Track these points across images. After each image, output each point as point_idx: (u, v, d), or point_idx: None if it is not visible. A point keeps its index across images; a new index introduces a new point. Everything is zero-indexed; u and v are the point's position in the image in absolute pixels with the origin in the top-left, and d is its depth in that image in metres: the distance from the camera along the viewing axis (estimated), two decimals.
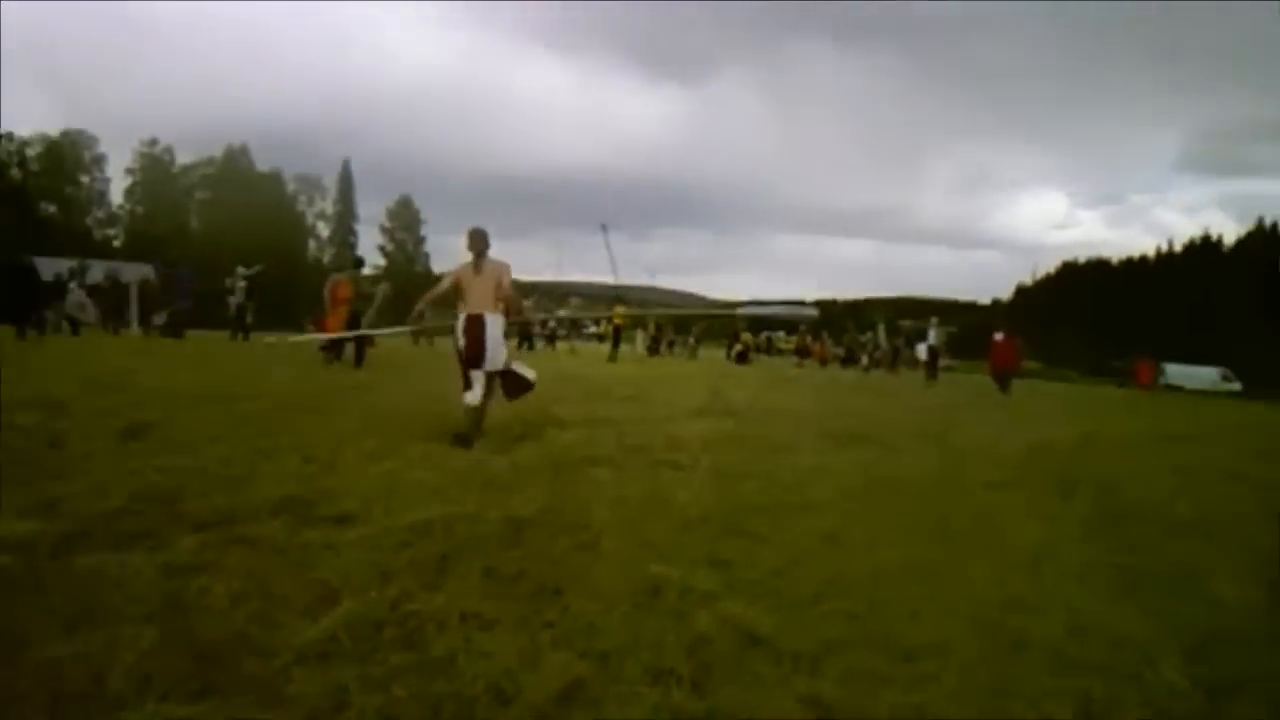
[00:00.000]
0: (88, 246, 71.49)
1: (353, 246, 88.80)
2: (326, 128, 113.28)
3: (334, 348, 14.79)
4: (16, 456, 4.80)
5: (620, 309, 30.32)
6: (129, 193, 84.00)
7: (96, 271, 32.43)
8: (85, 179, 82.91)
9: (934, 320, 29.93)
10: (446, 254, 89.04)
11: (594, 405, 9.45)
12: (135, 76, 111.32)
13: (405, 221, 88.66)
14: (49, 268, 25.89)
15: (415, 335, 23.19)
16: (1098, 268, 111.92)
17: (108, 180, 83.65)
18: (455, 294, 7.73)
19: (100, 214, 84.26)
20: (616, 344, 28.03)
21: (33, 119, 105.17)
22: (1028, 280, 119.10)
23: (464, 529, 3.93)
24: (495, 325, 7.44)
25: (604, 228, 27.18)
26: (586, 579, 3.45)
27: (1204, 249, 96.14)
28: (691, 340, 37.56)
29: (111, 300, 27.82)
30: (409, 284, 73.17)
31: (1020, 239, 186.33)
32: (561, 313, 35.38)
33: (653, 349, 32.49)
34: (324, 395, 9.07)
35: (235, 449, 5.40)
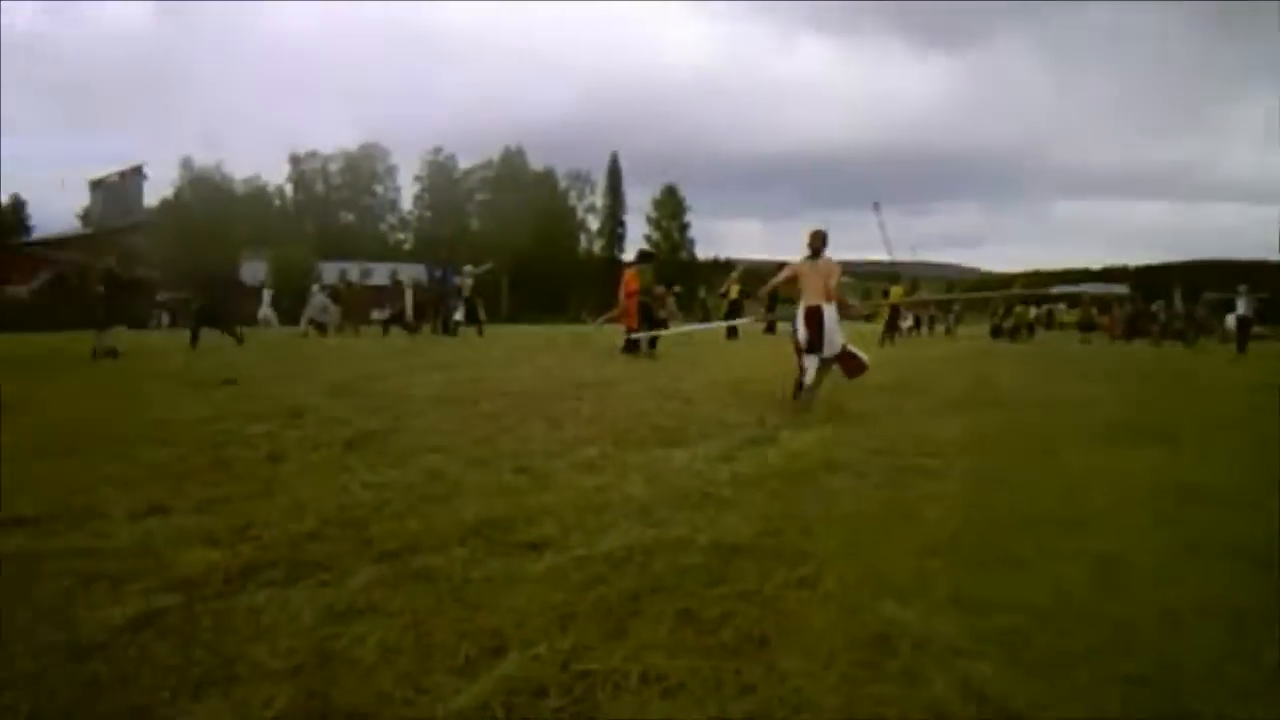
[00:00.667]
0: (382, 250, 78.09)
1: (621, 238, 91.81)
2: (595, 124, 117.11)
3: (633, 344, 15.37)
4: (236, 472, 4.88)
5: (897, 289, 29.17)
6: (417, 199, 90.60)
7: (381, 273, 35.21)
8: (379, 188, 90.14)
9: (1242, 288, 27.33)
10: (712, 239, 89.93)
11: (842, 397, 8.81)
12: (421, 89, 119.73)
13: (670, 210, 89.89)
14: (332, 272, 28.51)
15: (768, 325, 24.95)
16: None
17: (399, 189, 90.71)
18: (792, 286, 9.02)
19: (393, 220, 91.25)
20: (893, 327, 26.43)
21: (335, 136, 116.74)
22: None
23: (665, 559, 3.47)
24: (831, 315, 8.46)
25: (877, 206, 26.55)
26: (800, 626, 2.86)
27: None
28: (951, 319, 35.50)
29: (358, 301, 30.45)
30: (676, 271, 74.66)
31: None
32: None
33: (890, 330, 29.14)
34: (565, 394, 9.02)
35: (450, 459, 5.30)
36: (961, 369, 13.94)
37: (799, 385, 8.47)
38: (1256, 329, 28.83)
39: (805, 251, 8.77)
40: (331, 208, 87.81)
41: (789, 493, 4.73)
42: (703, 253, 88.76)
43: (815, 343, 8.39)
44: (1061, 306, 55.40)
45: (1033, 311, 41.14)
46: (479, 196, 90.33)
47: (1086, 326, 35.62)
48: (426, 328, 26.75)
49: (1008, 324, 32.62)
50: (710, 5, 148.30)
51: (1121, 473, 5.44)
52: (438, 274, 28.96)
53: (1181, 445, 6.56)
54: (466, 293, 25.75)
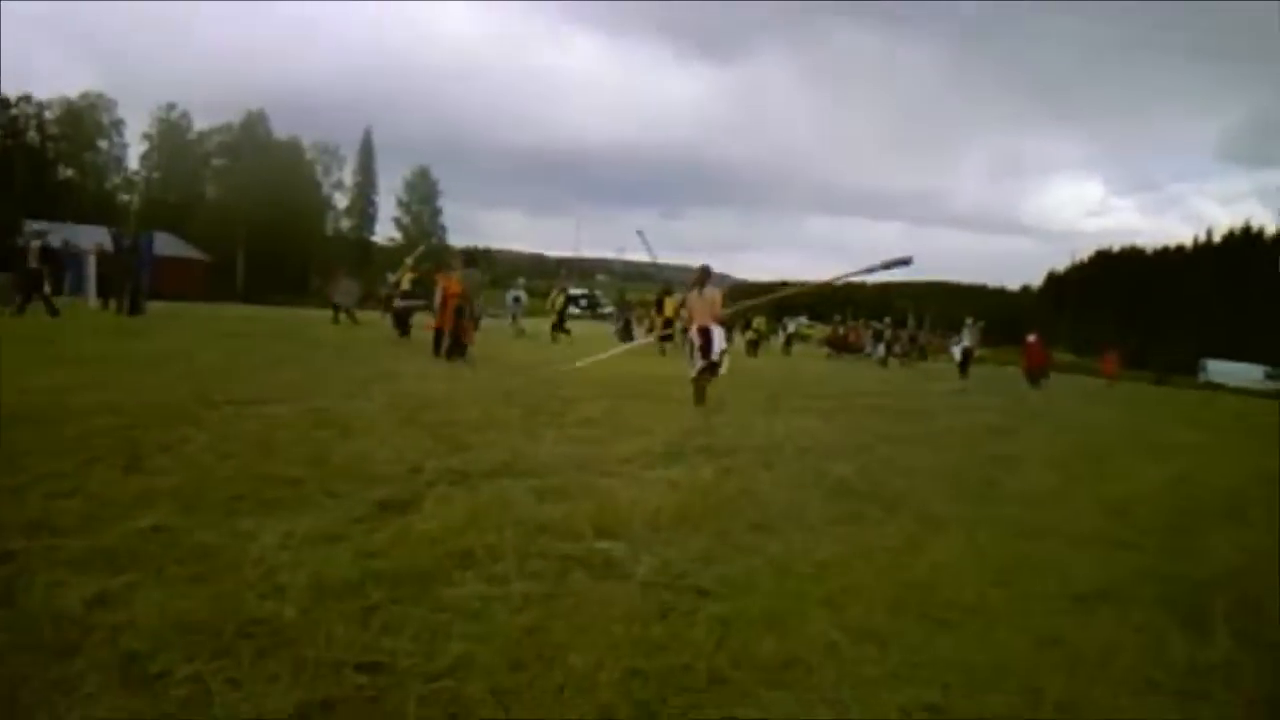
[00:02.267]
0: (109, 213, 70.17)
1: (372, 218, 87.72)
2: (350, 98, 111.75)
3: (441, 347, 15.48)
4: None
5: (671, 300, 28.42)
6: (145, 158, 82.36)
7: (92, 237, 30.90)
8: (104, 143, 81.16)
9: (969, 320, 30.65)
10: (465, 226, 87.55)
11: (509, 438, 7.51)
12: (161, 40, 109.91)
13: (422, 193, 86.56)
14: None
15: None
16: (1132, 256, 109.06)
17: (125, 145, 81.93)
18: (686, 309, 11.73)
19: (118, 179, 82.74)
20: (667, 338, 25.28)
21: (63, 82, 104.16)
22: (1059, 268, 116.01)
23: None
24: (718, 332, 11.24)
25: (641, 233, 26.25)
26: None
27: (1244, 240, 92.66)
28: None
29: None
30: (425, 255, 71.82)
31: (1054, 226, 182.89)
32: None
33: (624, 335, 29.53)
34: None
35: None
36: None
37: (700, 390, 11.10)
38: (976, 353, 31.34)
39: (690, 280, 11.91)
40: (46, 160, 77.97)
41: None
42: (460, 240, 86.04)
43: (706, 351, 11.03)
44: (804, 320, 57.04)
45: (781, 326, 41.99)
46: (216, 162, 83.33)
47: (837, 344, 36.68)
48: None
49: (748, 335, 31.84)
50: None
51: (849, 559, 4.36)
52: (126, 242, 25.14)
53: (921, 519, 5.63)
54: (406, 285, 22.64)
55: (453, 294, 15.69)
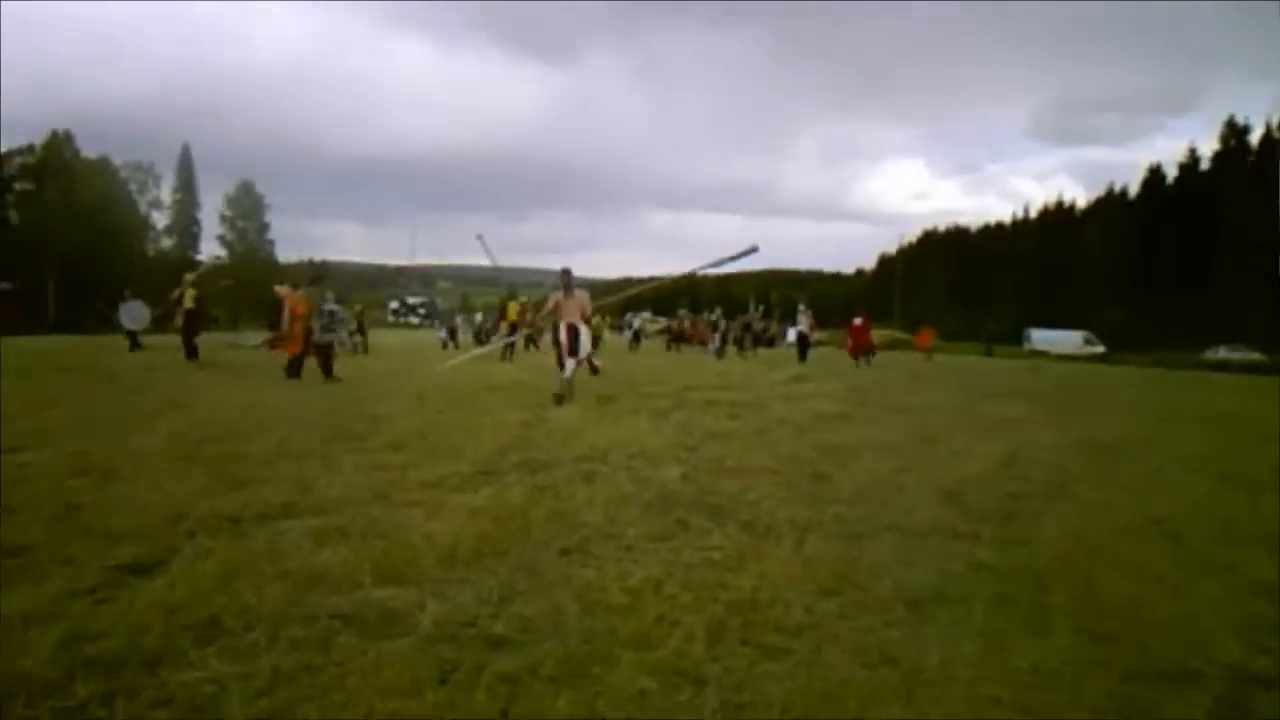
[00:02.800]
0: None
1: (196, 236, 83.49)
2: (165, 114, 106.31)
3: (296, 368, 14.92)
4: None
5: (514, 304, 27.87)
6: None
7: None
8: None
9: (801, 307, 31.73)
10: (297, 239, 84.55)
11: (303, 468, 6.85)
12: None
13: (246, 209, 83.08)
14: None
15: (527, 341, 26.20)
16: (957, 235, 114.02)
17: None
18: (554, 310, 12.61)
19: None
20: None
21: None
22: (890, 250, 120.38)
23: None
24: (585, 331, 12.41)
25: (480, 237, 26.15)
26: None
27: (1058, 214, 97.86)
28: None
29: None
30: (252, 273, 68.75)
31: (882, 210, 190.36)
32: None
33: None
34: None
35: None
36: (520, 399, 12.59)
37: (565, 382, 12.03)
38: (816, 336, 32.24)
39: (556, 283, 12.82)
40: None
41: None
42: (285, 254, 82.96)
43: (574, 349, 12.19)
44: (647, 314, 57.17)
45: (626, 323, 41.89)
46: (19, 185, 77.64)
47: (679, 336, 36.75)
48: None
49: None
50: None
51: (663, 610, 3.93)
52: None
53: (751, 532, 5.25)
54: (189, 302, 20.63)
55: (299, 314, 15.10)
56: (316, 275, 22.25)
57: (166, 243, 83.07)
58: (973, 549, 4.93)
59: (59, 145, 76.78)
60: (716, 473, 6.89)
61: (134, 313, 25.31)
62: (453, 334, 35.28)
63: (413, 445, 7.75)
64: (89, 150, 77.78)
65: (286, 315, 15.51)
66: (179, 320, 20.62)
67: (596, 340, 28.16)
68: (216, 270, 26.09)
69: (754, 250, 12.23)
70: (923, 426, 10.61)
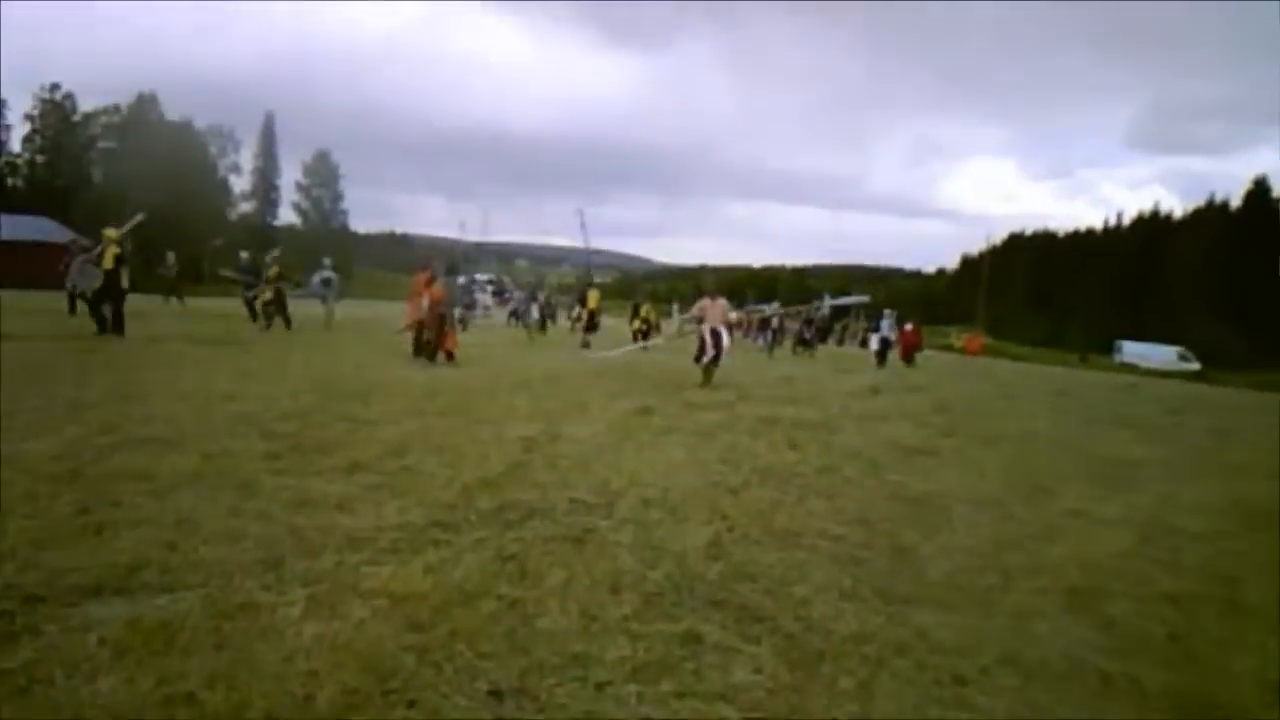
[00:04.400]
0: None
1: (275, 203, 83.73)
2: (258, 83, 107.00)
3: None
4: None
5: (594, 292, 27.25)
6: (27, 140, 76.91)
7: None
8: None
9: (888, 311, 31.33)
10: (374, 210, 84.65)
11: (207, 507, 5.21)
12: (47, 17, 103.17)
13: (322, 178, 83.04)
14: None
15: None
16: (1045, 239, 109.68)
17: (8, 127, 76.43)
18: (701, 313, 15.05)
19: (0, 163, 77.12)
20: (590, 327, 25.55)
21: None
22: (973, 251, 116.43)
23: None
24: (725, 333, 14.81)
25: (580, 212, 26.18)
26: None
27: (1152, 223, 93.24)
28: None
29: None
30: (326, 242, 68.30)
31: (967, 210, 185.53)
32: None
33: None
34: None
35: None
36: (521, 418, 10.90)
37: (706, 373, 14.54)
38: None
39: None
40: None
41: None
42: (358, 224, 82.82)
43: (716, 349, 14.42)
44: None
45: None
46: (103, 144, 78.20)
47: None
48: None
49: (635, 326, 28.70)
50: None
51: None
52: None
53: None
54: (108, 262, 17.23)
55: (437, 300, 15.78)
56: (453, 265, 22.24)
57: (245, 208, 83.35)
58: (1139, 710, 3.16)
59: (144, 107, 77.26)
60: (760, 537, 5.12)
61: (85, 273, 20.83)
62: (518, 316, 33.07)
63: (375, 467, 6.09)
64: (175, 115, 78.03)
65: (425, 302, 15.96)
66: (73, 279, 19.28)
67: (648, 331, 26.19)
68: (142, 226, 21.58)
69: (864, 301, 11.61)
70: (1025, 469, 8.58)
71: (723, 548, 4.80)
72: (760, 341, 32.40)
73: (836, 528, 5.51)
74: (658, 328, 27.50)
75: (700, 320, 14.94)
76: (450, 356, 15.77)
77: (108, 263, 16.89)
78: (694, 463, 7.26)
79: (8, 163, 77.44)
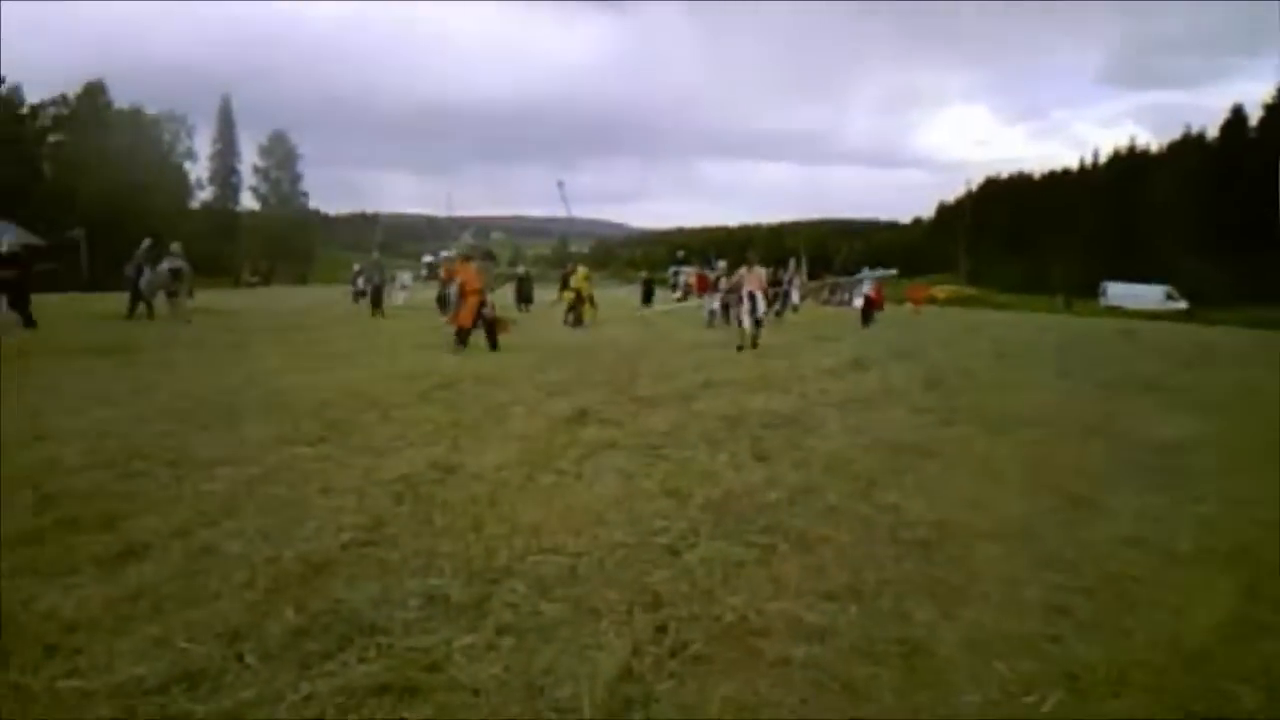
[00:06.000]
0: None
1: (236, 188, 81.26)
2: (210, 68, 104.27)
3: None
4: None
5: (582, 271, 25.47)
6: None
7: None
8: None
9: (866, 270, 32.99)
10: (356, 192, 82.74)
11: None
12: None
13: (279, 159, 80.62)
14: None
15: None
16: (1021, 183, 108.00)
17: None
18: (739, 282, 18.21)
19: None
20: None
21: None
22: (950, 199, 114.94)
23: None
24: (760, 298, 17.72)
25: (560, 184, 26.18)
26: None
27: (1130, 160, 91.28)
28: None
29: None
30: (285, 226, 66.10)
31: (941, 158, 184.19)
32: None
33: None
34: None
35: None
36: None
37: (744, 334, 17.39)
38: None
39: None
40: None
41: None
42: (319, 203, 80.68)
43: (754, 310, 17.43)
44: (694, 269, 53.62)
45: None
46: (52, 138, 75.36)
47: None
48: None
49: (568, 298, 25.97)
50: None
51: None
52: None
53: None
54: None
55: (473, 288, 15.62)
56: (488, 252, 23.19)
57: (204, 196, 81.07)
58: None
59: (92, 96, 74.49)
60: (703, 647, 3.42)
61: None
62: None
63: (158, 551, 4.34)
64: (125, 103, 75.35)
65: (456, 288, 16.06)
66: None
67: (580, 304, 23.26)
68: None
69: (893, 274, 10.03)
70: (1051, 467, 6.81)
71: (643, 684, 3.11)
72: (705, 307, 30.85)
73: (820, 603, 3.84)
74: (591, 300, 24.44)
75: (737, 289, 18.28)
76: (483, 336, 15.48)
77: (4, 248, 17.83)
78: (627, 500, 5.48)
79: None
